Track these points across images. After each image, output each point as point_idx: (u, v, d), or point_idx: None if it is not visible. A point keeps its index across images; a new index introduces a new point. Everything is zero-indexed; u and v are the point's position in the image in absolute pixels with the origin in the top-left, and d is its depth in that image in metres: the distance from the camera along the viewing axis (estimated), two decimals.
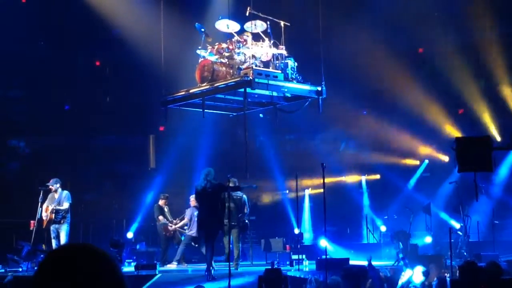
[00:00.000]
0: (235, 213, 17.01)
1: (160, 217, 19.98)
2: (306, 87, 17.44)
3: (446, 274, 15.38)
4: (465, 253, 19.21)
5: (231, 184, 17.22)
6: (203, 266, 16.69)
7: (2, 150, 25.29)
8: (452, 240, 15.31)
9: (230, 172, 16.61)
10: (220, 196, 16.07)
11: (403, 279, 14.83)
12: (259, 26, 17.25)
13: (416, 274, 14.58)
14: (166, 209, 20.15)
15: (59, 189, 17.40)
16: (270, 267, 14.58)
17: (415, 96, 24.57)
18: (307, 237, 24.56)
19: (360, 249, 22.25)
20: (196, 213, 19.04)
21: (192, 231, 19.10)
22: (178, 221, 20.13)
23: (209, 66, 17.03)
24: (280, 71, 16.88)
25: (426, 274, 14.70)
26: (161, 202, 20.17)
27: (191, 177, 24.55)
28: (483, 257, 17.98)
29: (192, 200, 19.61)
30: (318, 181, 23.31)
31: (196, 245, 19.39)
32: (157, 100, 18.89)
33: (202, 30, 17.61)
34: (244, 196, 16.70)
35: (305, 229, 25.32)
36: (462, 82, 24.12)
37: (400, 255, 17.28)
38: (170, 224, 19.89)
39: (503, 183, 24.20)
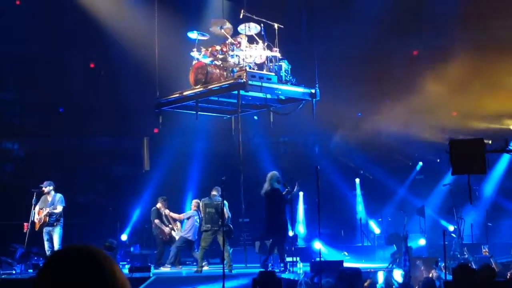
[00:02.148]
0: (216, 218, 16.93)
1: (156, 221, 19.91)
2: (299, 89, 17.48)
3: (433, 275, 15.48)
4: (458, 255, 19.24)
5: (213, 192, 17.30)
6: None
7: None
8: (446, 242, 15.34)
9: (224, 174, 16.60)
10: (277, 200, 16.34)
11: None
12: (252, 28, 17.28)
13: (396, 275, 15.05)
14: (165, 212, 19.95)
15: (52, 192, 17.35)
16: (264, 269, 14.59)
17: (409, 98, 24.57)
18: (302, 232, 24.47)
19: (355, 251, 22.26)
20: (196, 217, 19.03)
21: (189, 234, 19.05)
22: (175, 225, 20.00)
23: (203, 68, 17.06)
24: (273, 74, 16.91)
25: (405, 276, 14.96)
26: (158, 205, 20.05)
27: (185, 179, 24.57)
28: (478, 259, 18.02)
29: (194, 204, 19.57)
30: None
31: (188, 250, 19.37)
32: (151, 103, 18.88)
33: (197, 35, 17.60)
34: (224, 201, 16.66)
35: (299, 221, 25.12)
36: (455, 84, 24.12)
37: (398, 255, 17.47)
38: (165, 227, 19.82)
39: (496, 185, 24.22)
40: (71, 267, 2.33)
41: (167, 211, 19.76)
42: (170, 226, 19.85)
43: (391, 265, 17.79)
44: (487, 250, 17.03)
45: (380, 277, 15.41)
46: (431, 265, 16.52)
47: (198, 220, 18.95)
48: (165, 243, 19.89)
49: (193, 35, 17.66)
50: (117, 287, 2.38)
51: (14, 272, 17.60)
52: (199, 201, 19.01)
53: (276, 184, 16.62)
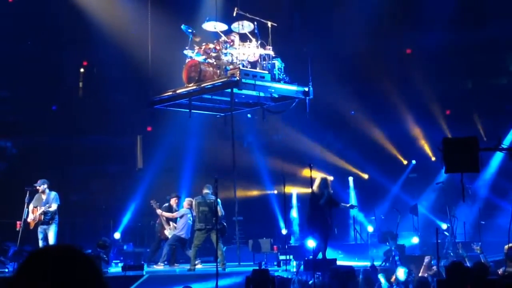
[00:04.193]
0: (210, 216, 16.92)
1: (163, 217, 19.85)
2: (293, 87, 17.47)
3: (428, 274, 15.52)
4: (451, 254, 19.26)
5: (205, 190, 17.28)
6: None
7: None
8: (439, 241, 15.36)
9: (217, 173, 16.60)
10: (322, 203, 16.33)
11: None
12: (246, 26, 17.27)
13: (399, 273, 15.04)
14: (157, 212, 19.95)
15: (47, 190, 17.31)
16: (257, 267, 14.59)
17: (401, 97, 24.64)
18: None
19: (348, 249, 22.26)
20: (189, 215, 19.02)
21: (181, 233, 19.05)
22: (168, 226, 19.99)
23: (196, 66, 17.04)
24: (267, 72, 16.90)
25: (408, 274, 15.01)
26: (172, 201, 20.09)
27: (179, 177, 24.54)
28: (470, 257, 18.04)
29: (186, 202, 19.56)
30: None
31: (181, 248, 19.34)
32: (144, 101, 18.86)
33: (189, 30, 17.60)
34: (218, 200, 16.66)
35: (293, 220, 25.15)
36: (449, 82, 24.19)
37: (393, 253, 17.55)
38: (167, 227, 19.80)
39: (489, 183, 24.27)
40: (48, 266, 2.32)
41: (159, 211, 19.75)
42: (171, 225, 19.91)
43: (384, 263, 17.82)
44: (479, 247, 17.06)
45: (401, 274, 15.40)
46: (426, 262, 16.56)
47: (191, 218, 18.95)
48: (161, 241, 19.94)
49: (188, 30, 17.62)
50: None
51: (6, 270, 17.54)
52: (191, 199, 19.02)
53: (318, 188, 16.53)
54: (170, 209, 20.01)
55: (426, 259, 16.52)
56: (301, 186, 25.20)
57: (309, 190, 16.65)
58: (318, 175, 16.70)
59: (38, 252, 2.44)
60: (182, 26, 17.70)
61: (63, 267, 2.34)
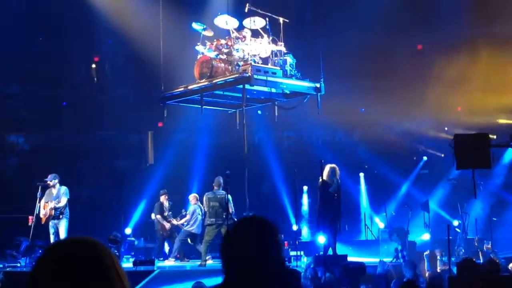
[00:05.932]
0: (220, 212, 17.00)
1: (158, 216, 20.01)
2: (304, 83, 17.46)
3: (441, 270, 15.49)
4: (463, 250, 19.23)
5: (215, 186, 17.38)
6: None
7: (1, 146, 25.30)
8: (450, 237, 15.34)
9: (229, 168, 16.63)
10: (331, 191, 16.41)
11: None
12: (258, 22, 17.24)
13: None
14: (166, 206, 20.13)
15: (57, 185, 17.38)
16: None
17: (414, 93, 24.55)
18: (304, 234, 24.49)
19: (359, 245, 22.23)
20: (198, 210, 19.09)
21: (192, 228, 19.10)
22: (178, 219, 20.10)
23: (208, 62, 17.03)
24: (278, 68, 16.88)
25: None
26: (162, 198, 20.23)
27: (190, 173, 24.58)
28: (484, 253, 18.03)
29: (192, 198, 19.62)
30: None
31: (192, 243, 19.37)
32: (156, 96, 18.88)
33: (200, 28, 17.58)
34: (228, 195, 16.69)
35: (304, 215, 25.16)
36: (460, 79, 24.10)
37: (399, 247, 17.52)
38: (166, 223, 19.90)
39: (501, 180, 24.20)
40: (70, 257, 2.33)
41: (174, 221, 19.89)
42: (172, 220, 19.98)
43: (395, 259, 17.81)
44: (489, 246, 17.07)
45: None
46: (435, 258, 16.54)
47: (200, 213, 19.01)
48: (165, 238, 20.03)
49: (197, 26, 17.63)
50: (116, 278, 2.39)
51: (19, 265, 17.67)
52: (196, 194, 19.23)
53: (328, 177, 16.55)
54: (161, 206, 20.18)
55: (437, 253, 16.54)
56: (312, 182, 25.20)
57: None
58: (326, 165, 16.71)
59: (54, 246, 2.45)
60: (193, 24, 17.70)
61: (83, 260, 2.35)
